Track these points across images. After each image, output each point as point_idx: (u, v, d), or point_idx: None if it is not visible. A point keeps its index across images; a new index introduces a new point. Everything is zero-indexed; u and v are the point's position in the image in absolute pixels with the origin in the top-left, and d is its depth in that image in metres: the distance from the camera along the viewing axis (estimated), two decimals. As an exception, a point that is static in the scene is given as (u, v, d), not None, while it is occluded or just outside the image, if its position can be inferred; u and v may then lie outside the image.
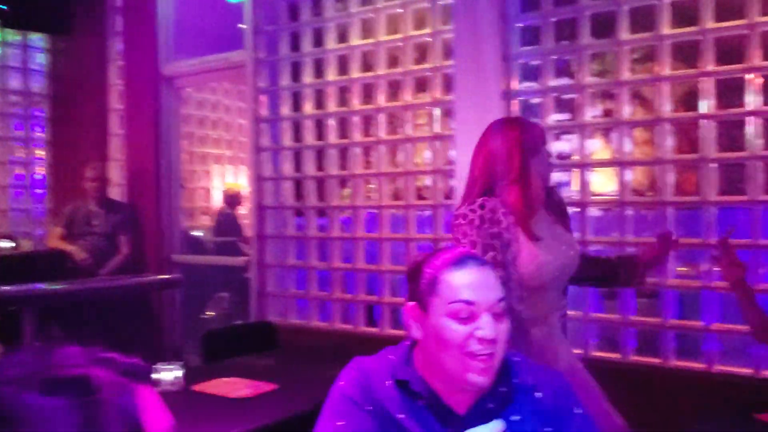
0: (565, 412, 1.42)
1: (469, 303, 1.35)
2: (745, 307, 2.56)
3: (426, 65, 4.17)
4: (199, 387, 2.67)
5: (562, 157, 3.90)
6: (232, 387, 2.66)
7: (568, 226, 2.40)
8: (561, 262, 2.23)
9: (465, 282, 1.36)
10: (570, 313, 2.62)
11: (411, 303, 1.46)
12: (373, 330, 4.39)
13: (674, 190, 3.45)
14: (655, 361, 3.42)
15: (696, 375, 3.32)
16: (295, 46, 4.71)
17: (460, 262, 1.39)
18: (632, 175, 3.69)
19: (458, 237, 2.18)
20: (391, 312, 4.33)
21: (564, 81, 3.80)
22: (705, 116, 3.30)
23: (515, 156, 2.20)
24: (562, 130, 3.90)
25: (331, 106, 4.56)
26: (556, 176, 3.76)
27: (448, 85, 4.06)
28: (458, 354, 1.34)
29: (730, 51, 3.31)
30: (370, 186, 4.63)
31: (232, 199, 6.86)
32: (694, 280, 3.51)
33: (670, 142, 3.42)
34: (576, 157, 3.73)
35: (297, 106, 4.73)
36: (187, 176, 6.59)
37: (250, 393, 2.59)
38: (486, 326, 1.33)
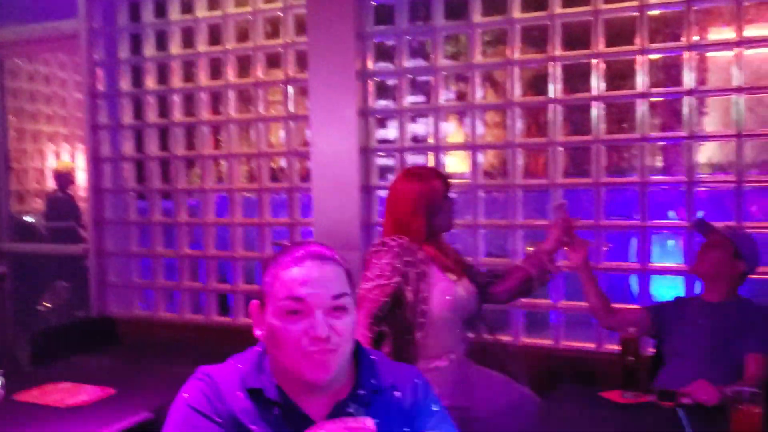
0: (423, 410, 1.38)
1: (298, 300, 1.26)
2: (587, 289, 2.65)
3: (278, 41, 3.98)
4: (23, 396, 2.38)
5: (416, 139, 3.89)
6: (63, 394, 2.40)
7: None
8: (467, 297, 2.45)
9: (297, 278, 1.27)
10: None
11: (254, 301, 1.35)
12: (227, 320, 4.19)
13: (523, 172, 3.53)
14: (506, 338, 3.50)
15: (544, 350, 3.43)
16: (135, 16, 4.36)
17: (300, 259, 1.29)
18: (484, 158, 3.73)
19: (374, 261, 2.34)
20: (246, 301, 4.15)
21: (419, 62, 3.77)
22: (553, 101, 3.38)
23: (421, 219, 2.40)
24: (417, 113, 3.88)
25: (176, 81, 4.27)
26: (411, 158, 3.77)
27: (303, 62, 3.91)
28: (293, 353, 1.25)
29: (577, 37, 3.40)
30: (221, 168, 4.41)
31: (63, 180, 6.26)
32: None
33: (520, 125, 3.48)
34: (431, 140, 3.71)
35: (138, 81, 4.39)
36: (17, 156, 5.98)
37: (84, 400, 2.34)
38: (318, 324, 1.25)
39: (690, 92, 3.13)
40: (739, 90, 3.05)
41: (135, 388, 2.52)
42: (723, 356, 2.43)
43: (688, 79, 3.12)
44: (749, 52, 3.04)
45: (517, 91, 3.46)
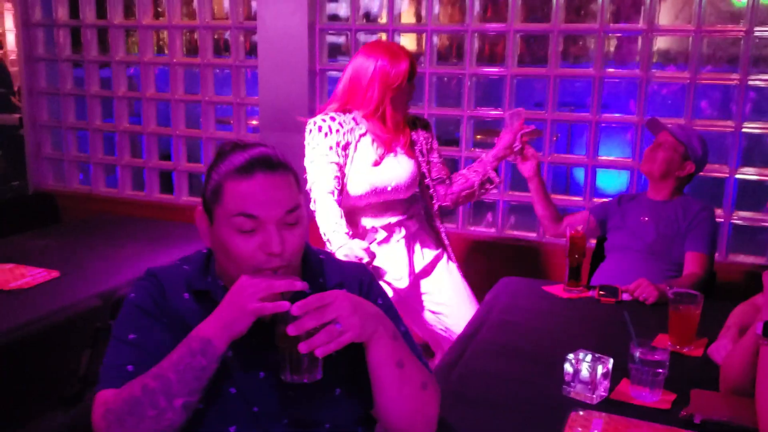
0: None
1: (252, 217, 1.21)
2: (536, 199, 2.66)
3: None
4: (-37, 276, 2.32)
5: (369, 17, 3.73)
6: (6, 275, 2.35)
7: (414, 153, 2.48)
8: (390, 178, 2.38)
9: (249, 193, 1.21)
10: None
11: (199, 208, 1.29)
12: (169, 197, 4.10)
13: (477, 58, 3.46)
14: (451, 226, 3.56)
15: (488, 240, 3.51)
16: None
17: (247, 169, 1.22)
18: (438, 41, 3.63)
19: (308, 142, 2.34)
20: (188, 179, 4.06)
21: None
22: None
23: (375, 90, 2.30)
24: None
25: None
26: (363, 38, 3.63)
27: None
28: (247, 267, 1.22)
29: None
30: (162, 38, 4.17)
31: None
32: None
33: (477, 7, 3.36)
34: (383, 20, 3.56)
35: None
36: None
37: (27, 282, 2.29)
38: (272, 240, 1.21)
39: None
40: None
41: (78, 269, 2.47)
42: (664, 253, 2.52)
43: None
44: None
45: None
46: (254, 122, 4.08)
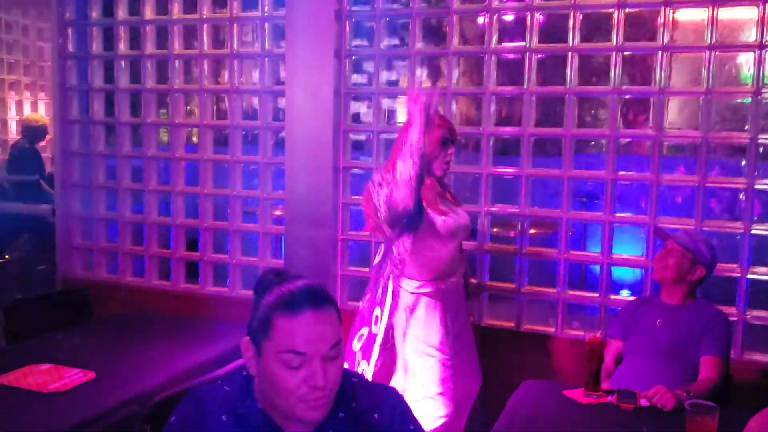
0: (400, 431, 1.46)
1: (299, 354, 1.30)
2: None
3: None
4: (3, 378, 2.40)
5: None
6: (45, 377, 2.41)
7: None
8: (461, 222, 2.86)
9: (298, 330, 1.30)
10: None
11: (246, 338, 1.38)
12: (194, 287, 4.22)
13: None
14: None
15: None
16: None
17: (296, 305, 1.32)
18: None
19: (372, 195, 2.68)
20: (213, 269, 4.19)
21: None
22: (529, 49, 3.45)
23: (416, 159, 2.54)
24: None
25: (149, 47, 4.19)
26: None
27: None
28: (291, 398, 1.31)
29: None
30: (192, 134, 4.38)
31: (35, 133, 6.09)
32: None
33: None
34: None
35: (109, 44, 4.29)
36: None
37: (65, 384, 2.37)
38: (317, 374, 1.30)
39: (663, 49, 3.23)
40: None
41: (113, 370, 2.56)
42: (679, 357, 2.59)
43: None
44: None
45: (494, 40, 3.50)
46: (278, 212, 4.22)
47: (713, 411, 1.93)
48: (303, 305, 1.31)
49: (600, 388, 2.37)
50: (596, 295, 3.44)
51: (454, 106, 3.64)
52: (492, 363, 3.15)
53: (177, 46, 4.12)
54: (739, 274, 3.16)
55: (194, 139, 4.28)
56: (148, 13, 4.16)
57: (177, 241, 4.26)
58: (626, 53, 3.31)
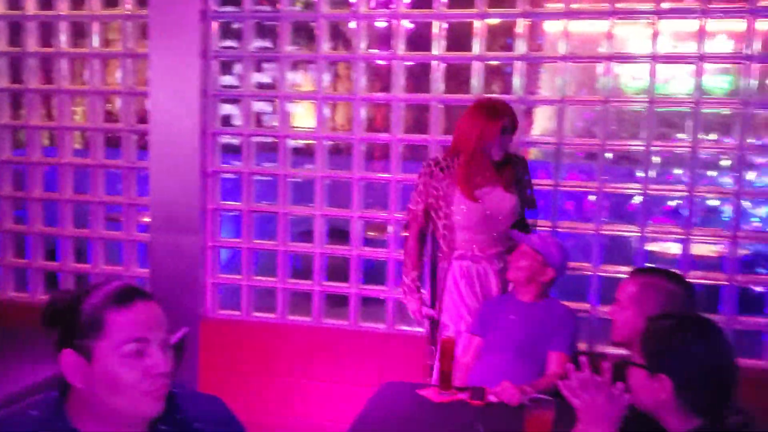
0: None
1: (143, 341, 1.28)
2: None
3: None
4: None
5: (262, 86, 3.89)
6: None
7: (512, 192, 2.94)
8: (484, 210, 2.87)
9: (135, 319, 1.28)
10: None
11: (66, 350, 1.29)
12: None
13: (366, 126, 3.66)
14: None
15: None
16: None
17: (125, 296, 1.29)
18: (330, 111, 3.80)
19: (417, 180, 3.02)
20: (75, 279, 4.00)
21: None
22: (396, 57, 3.49)
23: (471, 143, 2.85)
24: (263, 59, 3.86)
25: (2, 44, 3.96)
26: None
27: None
28: (134, 393, 1.27)
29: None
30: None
31: None
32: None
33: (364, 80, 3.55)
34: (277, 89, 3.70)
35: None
36: None
37: None
38: (161, 361, 1.28)
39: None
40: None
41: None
42: (531, 353, 2.68)
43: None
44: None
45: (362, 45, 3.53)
46: (146, 219, 4.08)
47: (549, 404, 2.00)
48: (133, 297, 1.30)
49: (452, 386, 2.43)
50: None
51: (326, 111, 3.65)
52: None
53: (32, 43, 3.90)
54: (591, 273, 3.33)
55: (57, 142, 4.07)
56: (0, 7, 3.93)
57: (35, 250, 4.04)
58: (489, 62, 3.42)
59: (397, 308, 3.59)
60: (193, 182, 3.66)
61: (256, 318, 3.77)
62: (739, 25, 3.12)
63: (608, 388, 1.66)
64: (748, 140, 3.16)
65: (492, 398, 2.35)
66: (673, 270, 2.39)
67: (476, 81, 3.41)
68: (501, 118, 2.85)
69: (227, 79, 4.00)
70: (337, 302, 3.80)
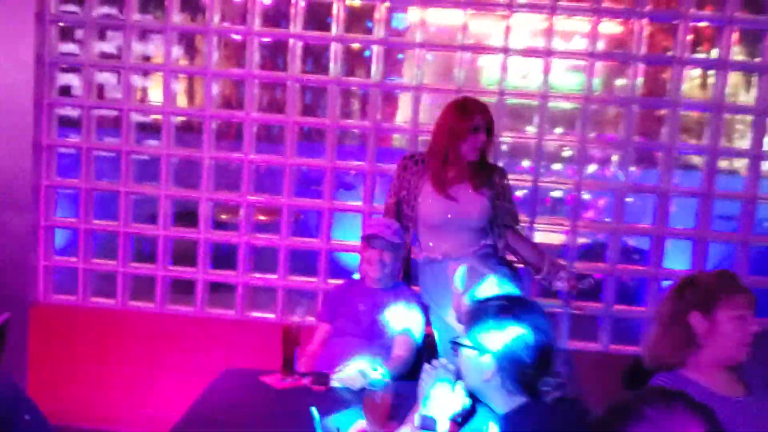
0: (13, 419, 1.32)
1: None
2: None
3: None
4: None
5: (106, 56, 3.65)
6: None
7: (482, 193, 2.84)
8: (448, 209, 2.80)
9: None
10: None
11: None
12: None
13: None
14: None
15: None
16: None
17: None
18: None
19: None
20: None
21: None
22: (250, 75, 3.38)
23: (442, 140, 2.80)
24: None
25: None
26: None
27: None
28: None
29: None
30: None
31: None
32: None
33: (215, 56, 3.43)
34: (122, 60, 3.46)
35: None
36: None
37: None
38: None
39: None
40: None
41: None
42: (378, 337, 2.67)
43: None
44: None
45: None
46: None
47: (388, 387, 1.99)
48: None
49: (295, 372, 2.37)
50: (315, 280, 3.48)
51: (214, 89, 3.47)
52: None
53: None
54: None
55: None
56: None
57: None
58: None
59: (248, 294, 3.50)
60: (24, 156, 3.37)
61: (94, 304, 3.53)
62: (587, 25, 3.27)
63: None
64: (590, 134, 3.33)
65: (335, 383, 2.31)
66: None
67: (334, 63, 3.36)
68: (472, 116, 2.79)
69: (68, 47, 3.72)
70: (184, 288, 3.64)
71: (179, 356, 3.43)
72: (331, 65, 3.37)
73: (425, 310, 2.79)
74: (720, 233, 3.49)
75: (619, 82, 3.51)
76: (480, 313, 1.68)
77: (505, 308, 1.65)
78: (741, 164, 3.42)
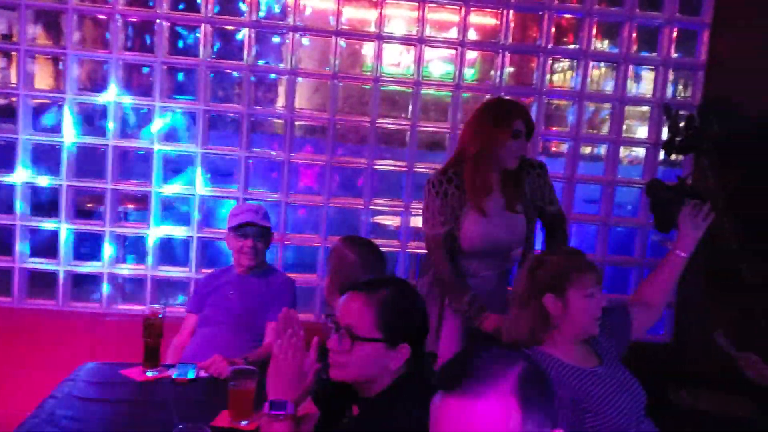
0: None
1: None
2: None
3: None
4: None
5: None
6: None
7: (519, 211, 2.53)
8: (495, 236, 2.48)
9: None
10: None
11: None
12: None
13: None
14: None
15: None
16: None
17: None
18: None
19: (427, 202, 2.51)
20: None
21: None
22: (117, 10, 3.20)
23: (476, 145, 2.42)
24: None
25: None
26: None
27: None
28: None
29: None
30: None
31: None
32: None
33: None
34: None
35: None
36: None
37: None
38: None
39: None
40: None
41: None
42: (249, 325, 2.62)
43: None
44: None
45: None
46: None
47: (252, 374, 1.96)
48: None
49: (159, 364, 2.28)
50: (186, 270, 3.37)
51: (75, 70, 3.25)
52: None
53: None
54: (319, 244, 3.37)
55: None
56: None
57: None
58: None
59: (116, 285, 3.35)
60: None
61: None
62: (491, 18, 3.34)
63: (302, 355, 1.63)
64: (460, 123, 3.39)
65: (202, 373, 2.25)
66: (364, 238, 2.51)
67: (203, 45, 3.25)
68: (512, 121, 2.42)
69: None
70: (45, 281, 3.42)
71: (39, 352, 3.23)
72: (201, 48, 3.26)
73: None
74: (583, 215, 3.66)
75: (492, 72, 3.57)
76: (390, 305, 1.58)
77: (405, 293, 1.65)
78: (603, 150, 3.57)
